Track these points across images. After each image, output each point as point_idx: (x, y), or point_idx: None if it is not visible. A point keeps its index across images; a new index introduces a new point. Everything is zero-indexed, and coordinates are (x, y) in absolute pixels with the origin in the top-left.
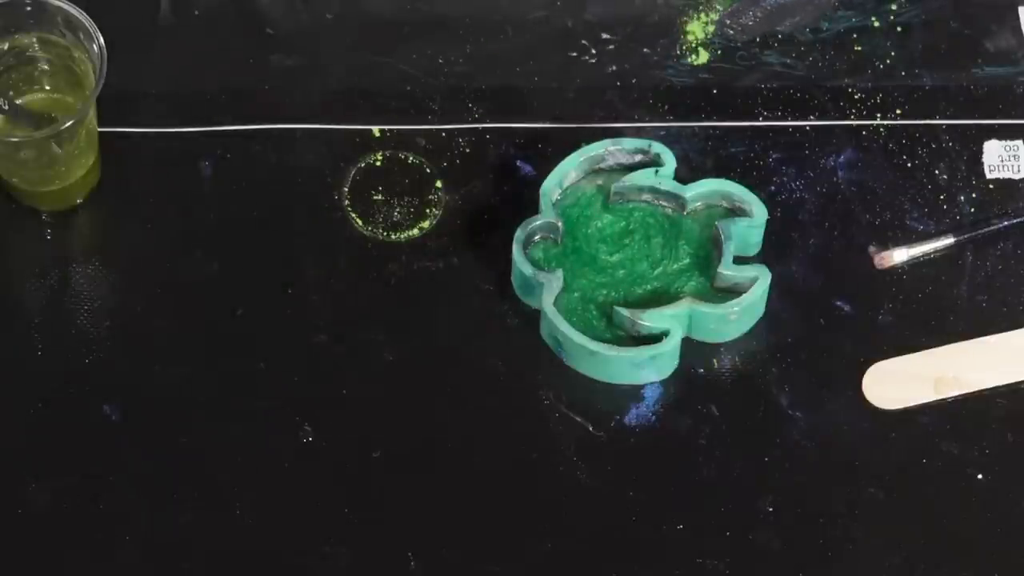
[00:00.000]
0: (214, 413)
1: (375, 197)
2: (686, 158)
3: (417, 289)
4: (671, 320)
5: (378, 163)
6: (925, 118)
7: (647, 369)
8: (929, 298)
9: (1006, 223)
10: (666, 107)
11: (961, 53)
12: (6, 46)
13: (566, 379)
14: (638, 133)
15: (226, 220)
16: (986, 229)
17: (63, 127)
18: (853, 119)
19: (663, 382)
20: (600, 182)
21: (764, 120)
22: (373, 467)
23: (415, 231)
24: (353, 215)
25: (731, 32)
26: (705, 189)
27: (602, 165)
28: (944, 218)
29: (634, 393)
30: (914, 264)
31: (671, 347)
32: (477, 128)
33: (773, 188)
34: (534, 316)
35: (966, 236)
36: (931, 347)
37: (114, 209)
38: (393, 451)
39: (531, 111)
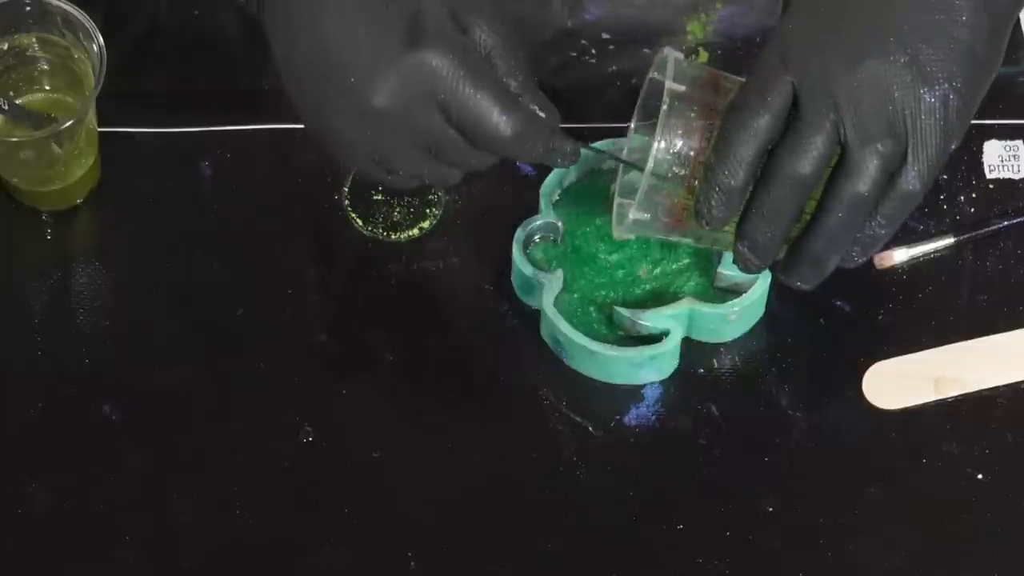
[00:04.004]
0: (214, 413)
1: (375, 197)
2: None
3: (417, 289)
4: (671, 320)
5: None
6: None
7: (647, 369)
8: (929, 298)
9: (1006, 223)
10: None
11: None
12: (6, 46)
13: (566, 379)
14: None
15: (226, 220)
16: (986, 229)
17: (63, 127)
18: None
19: (663, 382)
20: (600, 182)
21: None
22: (373, 467)
23: (415, 231)
24: (353, 215)
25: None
26: None
27: (602, 165)
28: (944, 218)
29: (634, 393)
30: (914, 264)
31: (671, 347)
32: None
33: None
34: (534, 316)
35: (966, 236)
36: (931, 347)
37: (114, 209)
38: (393, 451)
39: None
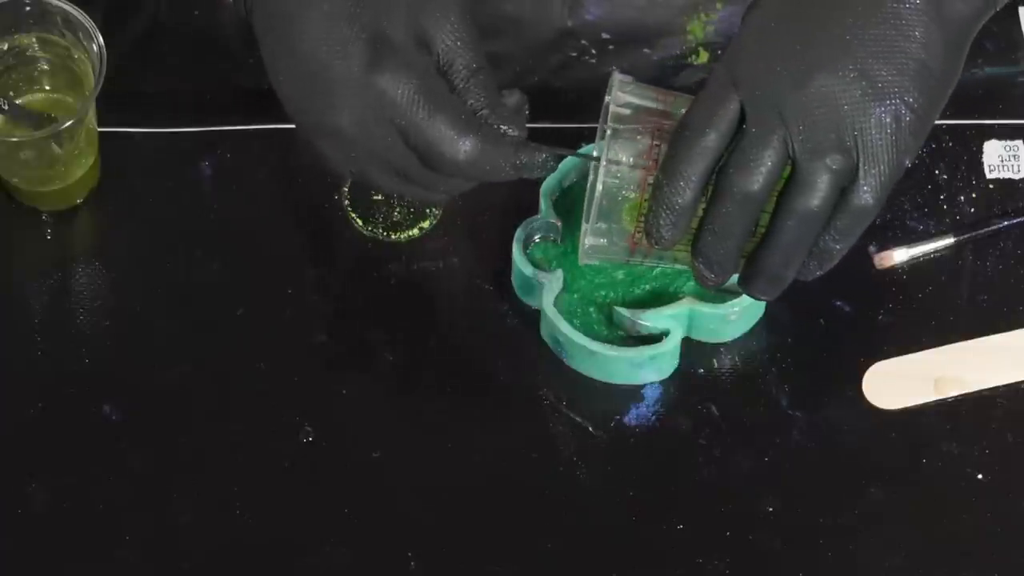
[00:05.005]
0: (214, 413)
1: (375, 197)
2: None
3: (417, 289)
4: (671, 320)
5: None
6: None
7: (647, 369)
8: (929, 298)
9: (1006, 223)
10: None
11: None
12: (6, 46)
13: (566, 379)
14: None
15: (226, 220)
16: (986, 229)
17: (63, 127)
18: None
19: (663, 382)
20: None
21: None
22: (373, 467)
23: (415, 231)
24: (353, 215)
25: None
26: None
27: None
28: (944, 218)
29: (634, 393)
30: (914, 264)
31: (671, 347)
32: None
33: None
34: (534, 316)
35: (966, 236)
36: (931, 347)
37: (114, 209)
38: (393, 451)
39: (532, 111)
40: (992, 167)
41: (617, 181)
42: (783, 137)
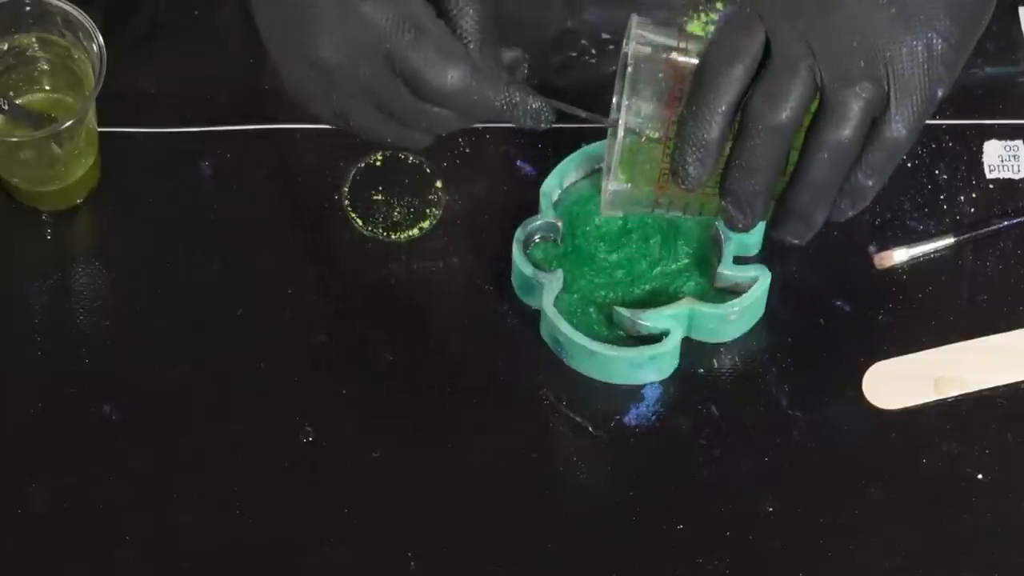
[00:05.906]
0: (214, 413)
1: (375, 197)
2: None
3: (417, 289)
4: (671, 320)
5: (378, 163)
6: None
7: (647, 369)
8: (929, 298)
9: (1006, 223)
10: None
11: None
12: (6, 46)
13: (566, 379)
14: None
15: (226, 220)
16: (986, 229)
17: (63, 127)
18: None
19: (663, 382)
20: (600, 181)
21: None
22: (373, 467)
23: (415, 231)
24: (353, 215)
25: None
26: None
27: (602, 165)
28: (944, 218)
29: (634, 393)
30: (914, 264)
31: (671, 347)
32: (477, 128)
33: None
34: (534, 316)
35: (966, 236)
36: (931, 347)
37: (114, 209)
38: (393, 451)
39: None
40: (992, 167)
41: (640, 122)
42: (810, 66)
